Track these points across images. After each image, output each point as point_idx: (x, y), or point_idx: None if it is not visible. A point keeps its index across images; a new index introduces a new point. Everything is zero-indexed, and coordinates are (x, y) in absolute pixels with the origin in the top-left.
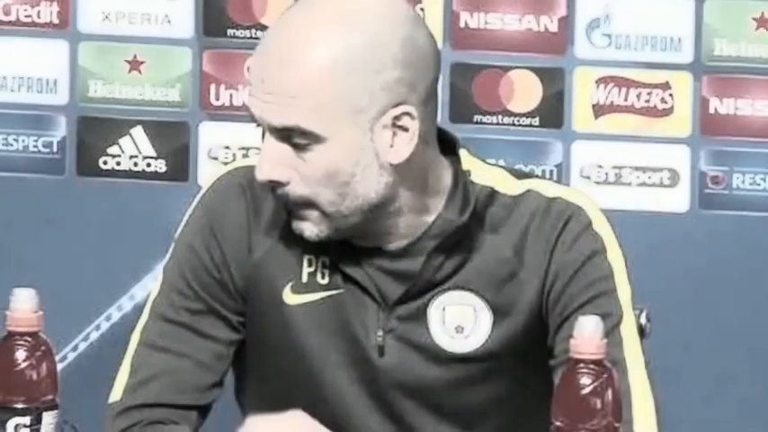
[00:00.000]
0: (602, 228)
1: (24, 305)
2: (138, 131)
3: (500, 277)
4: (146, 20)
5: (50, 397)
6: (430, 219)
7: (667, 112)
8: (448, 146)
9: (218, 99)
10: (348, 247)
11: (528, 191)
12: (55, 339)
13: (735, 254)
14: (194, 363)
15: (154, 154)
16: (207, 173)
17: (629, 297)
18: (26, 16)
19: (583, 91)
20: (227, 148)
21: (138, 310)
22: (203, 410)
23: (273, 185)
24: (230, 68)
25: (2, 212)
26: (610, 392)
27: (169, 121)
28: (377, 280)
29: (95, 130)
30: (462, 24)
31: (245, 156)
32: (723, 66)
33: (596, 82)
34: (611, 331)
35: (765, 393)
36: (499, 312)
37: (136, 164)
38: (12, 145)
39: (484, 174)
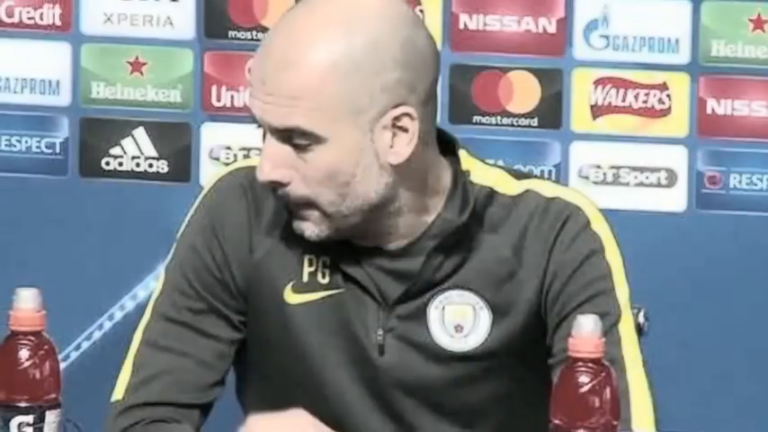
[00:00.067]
0: (601, 227)
1: (27, 305)
2: (140, 132)
3: (499, 277)
4: (147, 22)
5: (53, 396)
6: (429, 219)
7: (665, 112)
8: (447, 146)
9: (219, 100)
10: (348, 247)
11: (527, 191)
12: (58, 339)
13: (732, 253)
14: (196, 362)
15: (156, 155)
16: (208, 173)
17: (628, 296)
18: (29, 18)
19: (581, 92)
20: (229, 148)
21: (141, 309)
22: (205, 409)
23: (274, 186)
24: (231, 70)
25: (5, 213)
26: (608, 391)
27: (171, 122)
28: (377, 279)
29: (98, 131)
30: (461, 26)
31: (246, 156)
32: (720, 67)
33: (594, 83)
34: (610, 330)
35: (762, 392)
36: (498, 311)
37: (138, 164)
38: (15, 146)
39: (483, 174)
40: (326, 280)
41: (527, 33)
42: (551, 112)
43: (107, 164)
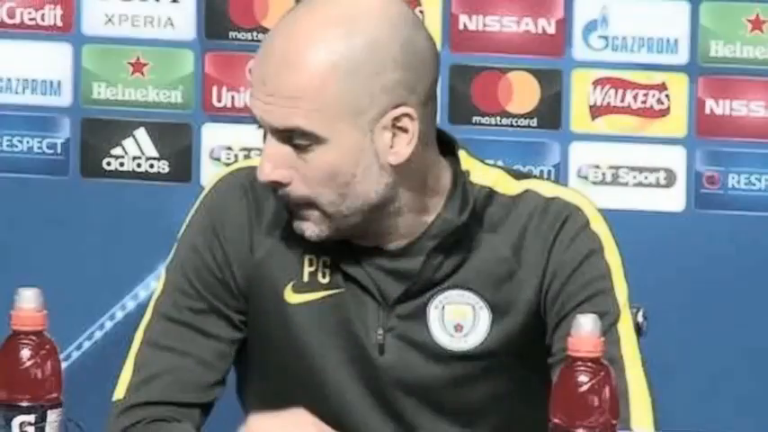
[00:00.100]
0: (600, 227)
1: (29, 304)
2: (141, 133)
3: (499, 276)
4: (148, 23)
5: (55, 395)
6: (429, 219)
7: (663, 113)
8: (447, 147)
9: (220, 101)
10: (348, 247)
11: (526, 191)
12: (59, 338)
13: (730, 253)
14: (197, 361)
15: (157, 155)
16: (209, 174)
17: (626, 296)
18: (30, 19)
19: (580, 92)
20: (229, 149)
21: (142, 309)
22: (206, 408)
23: (275, 186)
24: (232, 70)
25: (6, 213)
26: (607, 390)
27: (172, 123)
28: (377, 279)
29: (99, 132)
30: (461, 27)
31: (246, 157)
32: (718, 67)
33: (593, 83)
34: (609, 329)
35: (761, 390)
36: (498, 311)
37: (139, 165)
38: (16, 146)
39: (483, 174)
40: (327, 280)
41: (526, 34)
42: (551, 113)
43: (108, 164)
